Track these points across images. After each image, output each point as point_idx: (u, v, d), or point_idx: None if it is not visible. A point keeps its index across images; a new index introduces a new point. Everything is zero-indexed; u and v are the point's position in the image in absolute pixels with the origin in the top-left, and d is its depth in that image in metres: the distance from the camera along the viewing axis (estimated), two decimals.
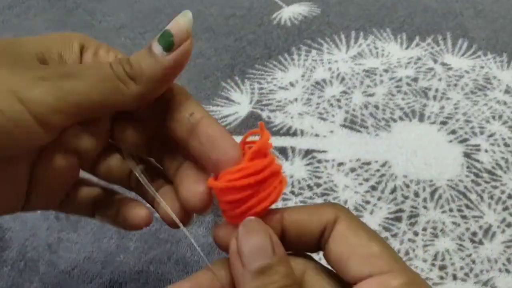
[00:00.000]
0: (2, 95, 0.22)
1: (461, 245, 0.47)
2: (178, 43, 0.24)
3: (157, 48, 0.24)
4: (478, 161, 0.53)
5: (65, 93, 0.23)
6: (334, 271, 0.25)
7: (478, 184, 0.51)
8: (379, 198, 0.51)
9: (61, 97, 0.23)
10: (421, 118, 0.57)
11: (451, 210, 0.49)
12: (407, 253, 0.47)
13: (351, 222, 0.25)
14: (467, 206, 0.50)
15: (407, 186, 0.51)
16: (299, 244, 0.25)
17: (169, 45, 0.24)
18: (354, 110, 0.58)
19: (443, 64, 0.64)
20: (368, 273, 0.23)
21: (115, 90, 0.24)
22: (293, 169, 0.53)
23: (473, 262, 0.46)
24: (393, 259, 0.23)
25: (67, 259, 0.48)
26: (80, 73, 0.24)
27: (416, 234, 0.48)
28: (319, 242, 0.25)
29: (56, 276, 0.47)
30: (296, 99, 0.60)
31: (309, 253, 0.28)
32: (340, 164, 0.53)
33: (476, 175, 0.52)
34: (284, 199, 0.51)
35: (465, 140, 0.55)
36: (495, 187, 0.51)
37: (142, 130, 0.27)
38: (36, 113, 0.22)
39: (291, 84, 0.62)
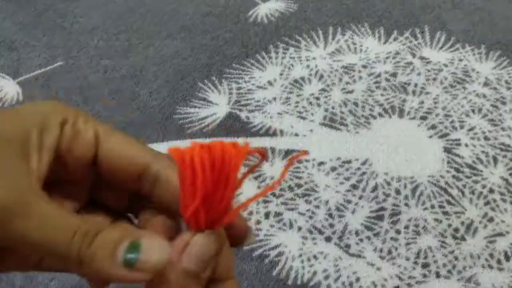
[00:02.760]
0: None
1: (443, 242, 0.47)
2: (139, 269, 0.23)
3: (120, 254, 0.23)
4: (458, 155, 0.53)
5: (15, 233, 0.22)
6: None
7: (459, 179, 0.51)
8: (360, 197, 0.50)
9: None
10: (401, 114, 0.57)
11: (432, 206, 0.49)
12: (389, 252, 0.46)
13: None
14: (449, 202, 0.49)
15: (388, 183, 0.51)
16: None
17: (130, 264, 0.23)
18: (333, 108, 0.58)
19: (422, 58, 0.63)
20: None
21: (60, 258, 0.22)
22: (273, 170, 0.52)
23: (456, 258, 0.46)
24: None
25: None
26: (42, 221, 0.22)
27: (398, 232, 0.47)
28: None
29: None
30: (275, 98, 0.59)
31: None
32: (321, 163, 0.53)
33: (457, 170, 0.52)
34: (265, 201, 0.50)
35: (445, 135, 0.55)
36: (476, 182, 0.51)
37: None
38: None
39: (270, 83, 0.61)
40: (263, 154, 0.21)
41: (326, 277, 0.45)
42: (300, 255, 0.46)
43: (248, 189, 0.51)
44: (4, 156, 0.22)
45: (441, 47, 0.64)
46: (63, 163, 0.25)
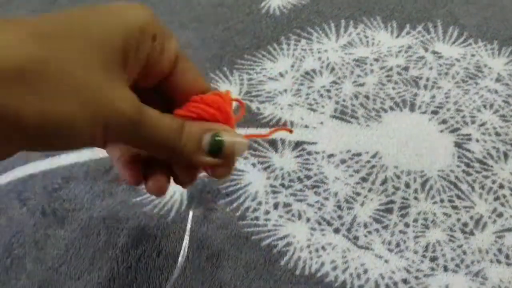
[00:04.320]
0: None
1: (452, 236, 0.47)
2: (225, 156, 0.29)
3: (205, 145, 0.28)
4: (469, 150, 0.53)
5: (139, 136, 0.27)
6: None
7: (469, 174, 0.51)
8: (369, 190, 0.50)
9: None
10: (412, 108, 0.57)
11: (442, 200, 0.49)
12: (398, 245, 0.46)
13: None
14: (458, 197, 0.49)
15: (398, 177, 0.51)
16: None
17: (216, 152, 0.28)
18: (344, 100, 0.58)
19: (434, 52, 0.63)
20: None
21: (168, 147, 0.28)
22: (283, 161, 0.52)
23: (464, 253, 0.46)
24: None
25: (55, 256, 0.47)
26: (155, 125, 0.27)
27: (407, 225, 0.48)
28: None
29: (43, 273, 0.46)
30: (285, 90, 0.59)
31: None
32: (330, 155, 0.53)
33: (467, 165, 0.52)
34: (274, 192, 0.50)
35: (456, 129, 0.55)
36: (486, 177, 0.51)
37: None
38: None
39: (281, 75, 0.61)
40: (241, 103, 0.33)
41: (334, 268, 0.45)
42: (308, 246, 0.46)
43: (257, 179, 0.51)
44: (113, 64, 0.25)
45: (454, 42, 0.64)
46: (144, 73, 0.28)
